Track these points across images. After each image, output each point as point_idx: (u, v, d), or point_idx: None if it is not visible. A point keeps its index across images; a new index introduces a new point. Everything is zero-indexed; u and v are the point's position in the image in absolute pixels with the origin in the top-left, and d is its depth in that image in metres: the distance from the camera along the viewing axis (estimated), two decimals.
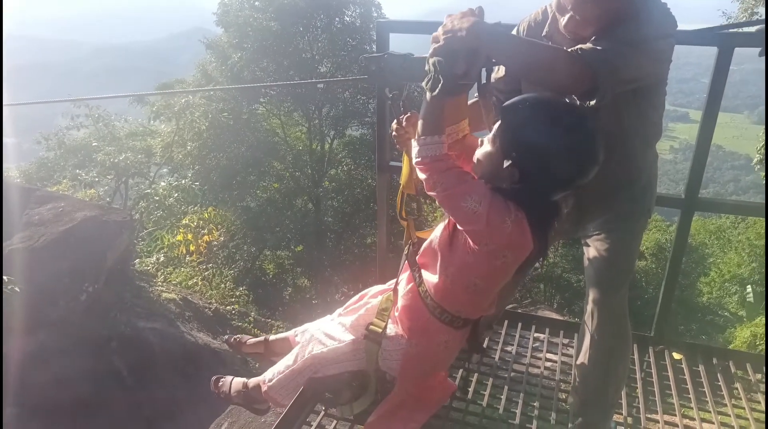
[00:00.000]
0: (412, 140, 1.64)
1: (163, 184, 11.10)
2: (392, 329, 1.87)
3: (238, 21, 14.99)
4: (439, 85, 1.50)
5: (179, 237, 7.33)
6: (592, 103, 1.56)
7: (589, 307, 2.06)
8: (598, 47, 1.55)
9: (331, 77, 15.37)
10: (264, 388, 2.10)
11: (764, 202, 2.65)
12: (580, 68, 1.52)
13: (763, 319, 9.77)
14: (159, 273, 6.34)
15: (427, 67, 1.53)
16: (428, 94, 1.54)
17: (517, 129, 1.53)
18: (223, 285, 7.08)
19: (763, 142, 9.76)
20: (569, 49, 1.57)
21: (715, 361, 2.79)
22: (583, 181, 1.55)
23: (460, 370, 2.62)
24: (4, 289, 3.68)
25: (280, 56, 14.90)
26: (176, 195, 9.78)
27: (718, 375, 2.69)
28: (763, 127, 10.58)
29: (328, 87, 15.26)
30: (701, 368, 2.73)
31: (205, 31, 20.34)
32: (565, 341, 2.89)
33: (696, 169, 2.52)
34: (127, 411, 4.11)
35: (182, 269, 6.97)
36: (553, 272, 15.60)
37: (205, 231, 7.55)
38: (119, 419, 4.04)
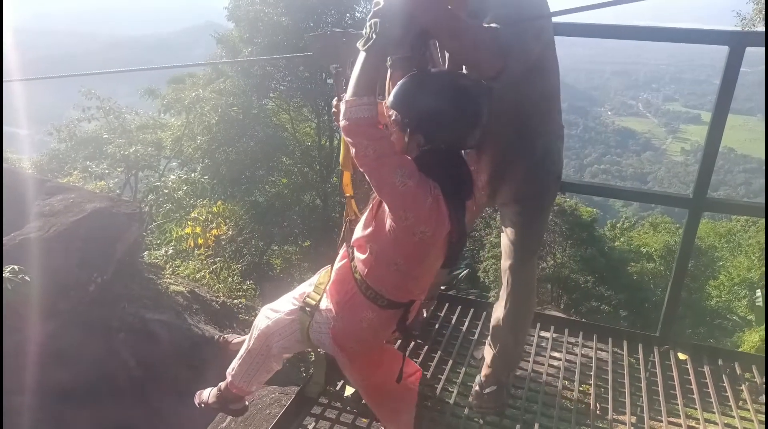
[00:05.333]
0: (340, 103, 1.61)
1: (172, 177, 11.13)
2: (325, 303, 1.91)
3: (249, 16, 15.01)
4: (371, 42, 1.50)
5: (188, 230, 7.35)
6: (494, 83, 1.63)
7: (506, 275, 2.20)
8: (501, 30, 1.58)
9: None
10: (229, 379, 2.12)
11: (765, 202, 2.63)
12: (496, 51, 1.56)
13: None
14: (167, 265, 6.36)
15: (364, 30, 1.53)
16: (361, 54, 1.54)
17: (403, 101, 1.59)
18: (230, 279, 7.08)
19: None
20: (486, 26, 1.61)
21: (720, 362, 2.78)
22: (476, 122, 1.60)
23: (464, 368, 2.63)
24: (15, 279, 3.71)
25: (290, 51, 14.89)
26: (185, 188, 9.81)
27: (724, 377, 2.67)
28: None
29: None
30: (706, 369, 2.72)
31: (217, 25, 20.42)
32: (571, 340, 2.89)
33: (705, 169, 2.51)
34: (133, 401, 4.15)
35: (190, 262, 6.98)
36: (560, 273, 15.54)
37: (214, 225, 7.57)
38: (126, 409, 4.08)
